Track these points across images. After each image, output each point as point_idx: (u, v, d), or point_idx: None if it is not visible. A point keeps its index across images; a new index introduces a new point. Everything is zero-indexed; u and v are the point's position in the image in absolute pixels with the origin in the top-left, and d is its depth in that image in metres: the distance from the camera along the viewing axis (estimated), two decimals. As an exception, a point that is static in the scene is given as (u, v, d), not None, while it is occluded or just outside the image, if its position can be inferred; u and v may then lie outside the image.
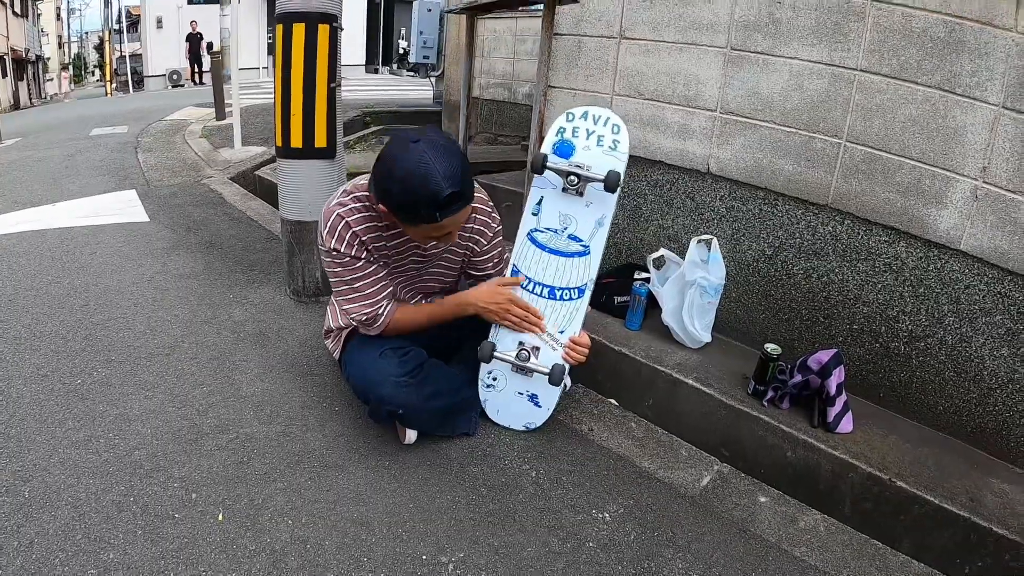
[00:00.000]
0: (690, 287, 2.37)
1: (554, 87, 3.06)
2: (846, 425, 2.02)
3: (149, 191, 5.21)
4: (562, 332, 1.95)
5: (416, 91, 12.87)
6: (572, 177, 1.87)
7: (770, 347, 2.11)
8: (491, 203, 2.02)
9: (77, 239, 3.95)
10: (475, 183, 1.90)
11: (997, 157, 1.95)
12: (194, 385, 2.26)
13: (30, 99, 27.26)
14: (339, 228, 1.81)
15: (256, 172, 5.86)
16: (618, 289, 2.66)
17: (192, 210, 4.57)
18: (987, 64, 1.94)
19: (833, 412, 2.01)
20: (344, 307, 1.92)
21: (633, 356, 2.36)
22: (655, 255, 2.53)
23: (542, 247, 1.93)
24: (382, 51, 29.29)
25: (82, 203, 4.92)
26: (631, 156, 2.81)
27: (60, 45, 43.93)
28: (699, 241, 2.42)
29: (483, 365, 2.02)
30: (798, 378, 2.05)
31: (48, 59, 37.76)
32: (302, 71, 2.57)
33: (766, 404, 2.10)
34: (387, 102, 10.68)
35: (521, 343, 1.97)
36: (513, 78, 6.67)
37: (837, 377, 2.01)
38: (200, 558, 1.57)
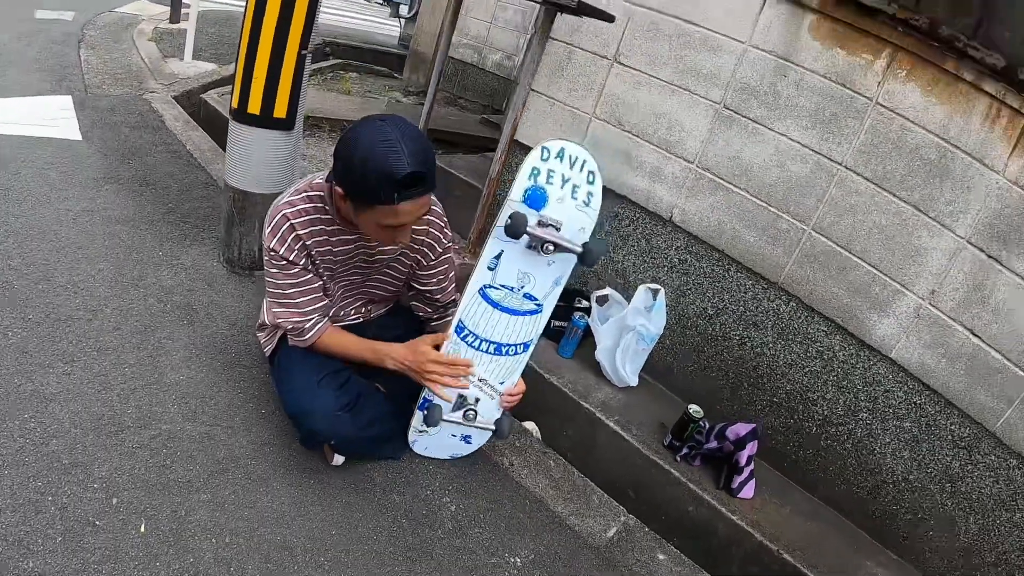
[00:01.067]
0: (628, 331, 2.41)
1: (535, 91, 2.97)
2: (748, 491, 2.18)
3: (86, 100, 4.87)
4: (502, 383, 1.94)
5: (383, 26, 12.34)
6: (549, 246, 1.71)
7: (693, 408, 2.21)
8: (445, 218, 1.96)
9: (2, 152, 3.67)
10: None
11: (948, 285, 2.05)
12: (116, 364, 2.16)
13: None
14: (282, 229, 1.74)
15: (202, 95, 5.56)
16: (555, 313, 2.64)
17: (129, 133, 4.30)
18: (966, 197, 2.01)
19: (739, 480, 2.16)
20: (273, 310, 1.87)
21: (560, 387, 2.41)
22: (600, 293, 2.54)
23: (494, 304, 1.83)
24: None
25: (11, 104, 4.55)
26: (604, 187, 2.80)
27: None
28: (648, 288, 2.43)
29: (417, 414, 1.98)
30: (713, 444, 2.21)
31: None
32: (273, 32, 2.36)
33: (679, 459, 2.26)
34: (351, 34, 10.16)
35: (463, 397, 1.93)
36: (486, 43, 6.47)
37: (750, 450, 2.16)
38: (122, 574, 1.52)
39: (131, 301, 2.50)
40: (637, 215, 2.72)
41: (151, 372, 2.16)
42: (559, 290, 1.86)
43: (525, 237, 1.71)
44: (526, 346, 1.91)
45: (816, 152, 2.25)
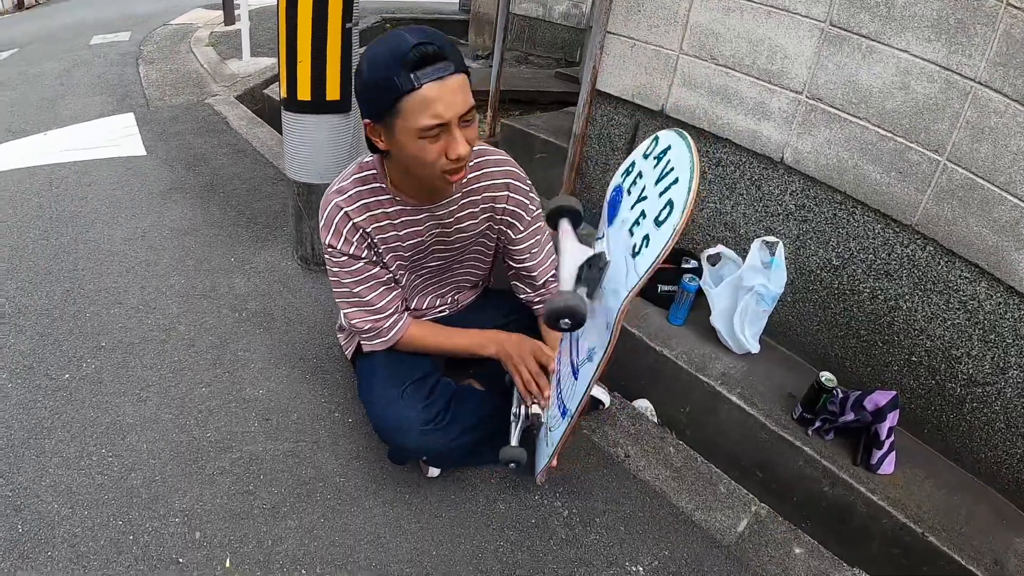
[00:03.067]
0: (746, 292, 2.18)
1: (612, 33, 2.71)
2: (888, 466, 1.96)
3: (148, 114, 4.92)
4: (550, 430, 1.62)
5: None
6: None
7: (825, 376, 1.98)
8: (528, 182, 1.72)
9: (68, 180, 3.71)
10: (503, 155, 1.67)
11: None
12: (192, 384, 2.07)
13: (31, -7, 26.48)
14: (336, 220, 1.56)
15: (265, 90, 5.55)
16: (663, 277, 2.44)
17: (193, 140, 4.29)
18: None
19: (878, 454, 1.94)
20: (344, 311, 1.70)
21: (674, 359, 2.24)
22: (711, 251, 2.29)
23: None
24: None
25: (75, 132, 4.65)
26: (693, 128, 2.52)
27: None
28: (764, 243, 2.16)
29: (515, 397, 1.71)
30: (850, 416, 1.98)
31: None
32: (311, 8, 2.17)
33: (810, 433, 2.04)
34: (409, 6, 10.05)
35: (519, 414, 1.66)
36: None
37: (890, 421, 1.93)
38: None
39: (204, 314, 2.42)
40: (743, 159, 2.44)
41: (229, 389, 2.06)
42: (591, 370, 1.30)
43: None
44: (564, 412, 1.50)
45: (944, 68, 1.90)
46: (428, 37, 1.30)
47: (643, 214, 1.15)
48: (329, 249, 1.59)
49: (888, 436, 1.92)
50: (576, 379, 1.40)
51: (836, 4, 2.09)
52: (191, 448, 1.84)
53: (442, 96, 1.30)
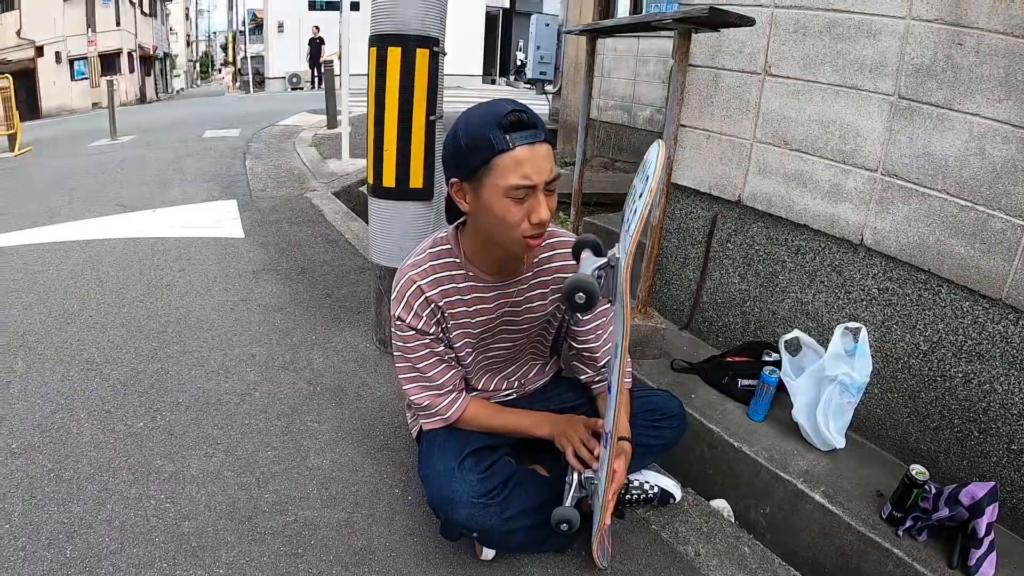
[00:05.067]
0: (829, 383, 2.13)
1: (686, 126, 2.84)
2: (988, 568, 1.80)
3: (250, 202, 5.34)
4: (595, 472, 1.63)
5: (532, 104, 12.81)
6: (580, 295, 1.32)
7: (916, 470, 1.88)
8: None
9: (169, 252, 4.05)
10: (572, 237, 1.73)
11: None
12: (259, 447, 2.17)
13: (156, 94, 29.45)
14: (408, 293, 1.64)
15: (360, 188, 5.93)
16: (744, 371, 2.44)
17: (289, 228, 4.61)
18: None
19: (977, 555, 1.79)
20: (405, 387, 1.75)
21: (753, 456, 2.18)
22: (788, 337, 2.28)
23: None
24: (500, 62, 30.09)
25: (181, 212, 5.09)
26: (770, 216, 2.58)
27: (188, 43, 47.71)
28: (846, 329, 2.15)
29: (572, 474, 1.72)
30: (944, 512, 1.86)
31: (176, 56, 41.00)
32: (397, 102, 2.41)
33: (901, 534, 1.91)
34: None
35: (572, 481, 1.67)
36: (633, 101, 6.50)
37: (989, 516, 1.80)
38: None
39: (280, 384, 2.55)
40: (822, 244, 2.46)
41: (294, 455, 2.14)
42: (618, 365, 1.41)
43: None
44: (605, 439, 1.55)
45: (1017, 126, 1.91)
46: (521, 107, 1.44)
47: (632, 205, 1.32)
48: (398, 322, 1.68)
49: (987, 533, 1.79)
50: (609, 392, 1.44)
51: (903, 75, 2.14)
52: (247, 506, 1.91)
53: (532, 159, 1.42)
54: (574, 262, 1.66)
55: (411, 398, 1.74)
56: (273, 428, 2.28)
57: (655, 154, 1.27)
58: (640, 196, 1.26)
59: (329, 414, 2.38)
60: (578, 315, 1.80)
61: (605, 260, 1.33)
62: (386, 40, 2.37)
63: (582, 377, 1.91)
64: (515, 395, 1.95)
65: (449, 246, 1.65)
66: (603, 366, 1.85)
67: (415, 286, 1.63)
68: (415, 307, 1.64)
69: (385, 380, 2.61)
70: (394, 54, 2.36)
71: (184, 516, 1.85)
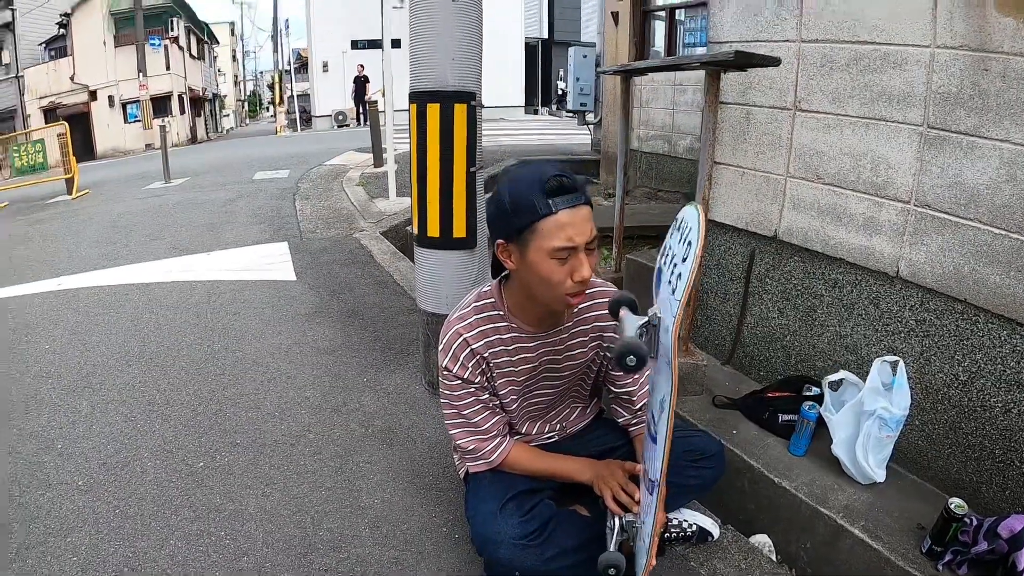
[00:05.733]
0: (868, 417, 2.17)
1: (720, 164, 2.93)
2: None
3: (301, 244, 5.57)
4: (643, 522, 1.67)
5: (575, 135, 13.11)
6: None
7: (955, 503, 1.90)
8: None
9: (224, 295, 4.26)
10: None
11: None
12: (314, 487, 2.31)
13: (207, 134, 30.52)
14: (455, 346, 1.78)
15: (408, 227, 6.11)
16: (784, 406, 2.50)
17: (339, 269, 4.80)
18: None
19: None
20: (451, 432, 1.88)
21: (793, 492, 2.22)
22: (833, 378, 2.33)
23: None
24: (541, 92, 30.31)
25: (234, 254, 5.33)
26: (807, 251, 2.65)
27: (236, 83, 49.63)
28: (883, 362, 2.19)
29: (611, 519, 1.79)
30: (983, 546, 1.87)
31: (224, 97, 42.56)
32: (438, 155, 2.57)
33: (941, 568, 1.93)
34: (545, 150, 10.93)
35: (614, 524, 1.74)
36: (673, 130, 6.61)
37: None
38: None
39: (333, 426, 2.69)
40: (859, 277, 2.50)
41: (347, 495, 2.27)
42: (666, 418, 1.40)
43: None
44: (651, 488, 1.54)
45: None
46: (563, 171, 1.58)
47: (674, 268, 1.38)
48: (445, 372, 1.81)
49: (1027, 566, 1.80)
50: (655, 443, 1.49)
51: (931, 105, 2.18)
52: (303, 543, 2.04)
53: (574, 222, 1.55)
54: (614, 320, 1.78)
55: (457, 442, 1.86)
56: (327, 469, 2.41)
57: (694, 219, 1.34)
58: (684, 261, 1.34)
59: (380, 455, 2.50)
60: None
61: (647, 319, 1.42)
62: (424, 97, 2.54)
63: (620, 420, 2.01)
64: (557, 437, 2.05)
65: (493, 300, 1.79)
66: (639, 409, 1.95)
67: (461, 339, 1.76)
68: (461, 358, 1.76)
69: (434, 422, 2.73)
70: (433, 110, 2.52)
71: (243, 552, 1.99)
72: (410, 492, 2.30)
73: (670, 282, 1.40)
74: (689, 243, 1.34)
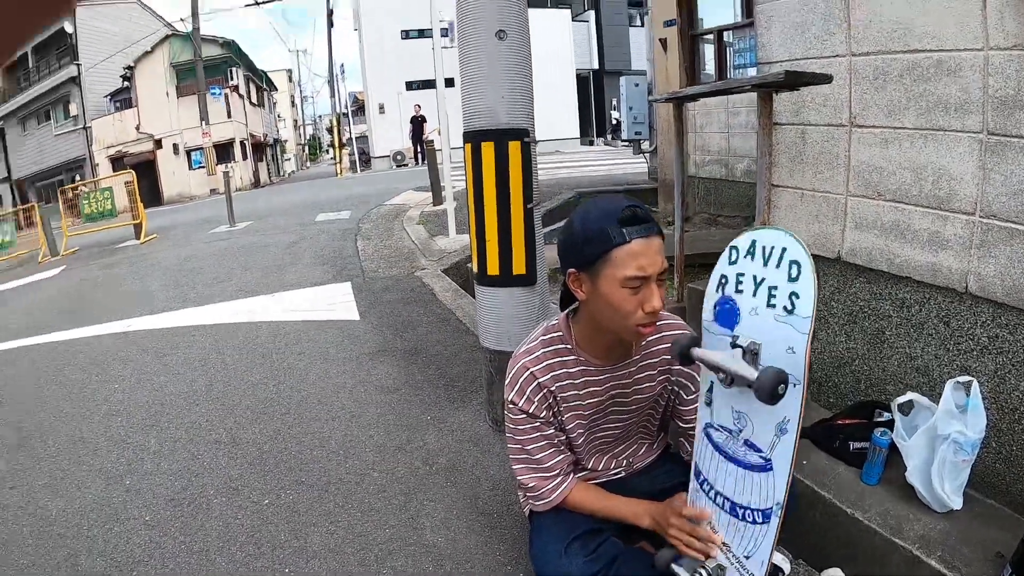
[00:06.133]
0: (942, 442, 2.09)
1: (778, 186, 2.89)
2: None
3: (364, 284, 5.68)
4: (748, 558, 1.65)
5: (631, 164, 13.13)
6: (722, 375, 1.50)
7: None
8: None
9: (289, 336, 4.38)
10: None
11: None
12: (378, 525, 2.34)
13: (269, 177, 31.54)
14: (522, 380, 1.79)
15: (468, 264, 6.18)
16: (854, 433, 2.41)
17: (402, 308, 4.88)
18: None
19: None
20: (513, 467, 1.88)
21: (866, 522, 2.13)
22: (902, 400, 2.26)
23: (717, 448, 1.62)
24: (595, 122, 30.55)
25: (299, 295, 5.47)
26: (871, 271, 2.59)
27: (296, 128, 51.43)
28: (957, 384, 2.12)
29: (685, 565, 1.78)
30: None
31: (285, 141, 44.05)
32: (495, 193, 2.61)
33: None
34: (602, 180, 11.00)
35: (706, 559, 1.70)
36: (729, 153, 6.55)
37: None
38: None
39: (397, 464, 2.73)
40: (926, 295, 2.42)
41: (411, 533, 2.29)
42: (791, 440, 1.45)
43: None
44: (766, 516, 1.54)
45: None
46: (636, 203, 1.61)
47: (771, 291, 1.45)
48: (511, 406, 1.82)
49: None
50: (771, 468, 1.50)
51: (989, 110, 2.10)
52: (369, 582, 2.07)
53: (647, 252, 1.57)
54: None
55: (519, 478, 1.87)
56: (391, 507, 2.44)
57: (781, 240, 1.44)
58: (794, 280, 1.44)
59: (444, 493, 2.52)
60: (682, 394, 1.89)
61: (743, 348, 1.47)
62: (478, 136, 2.59)
63: (685, 456, 1.98)
64: (624, 473, 2.04)
65: (560, 333, 1.80)
66: None
67: (528, 372, 1.77)
68: (528, 392, 1.77)
69: (497, 459, 2.74)
70: (487, 148, 2.58)
71: (309, 591, 2.03)
72: (474, 530, 2.30)
73: (771, 304, 1.46)
74: (794, 262, 1.43)
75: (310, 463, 2.75)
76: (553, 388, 1.78)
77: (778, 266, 1.45)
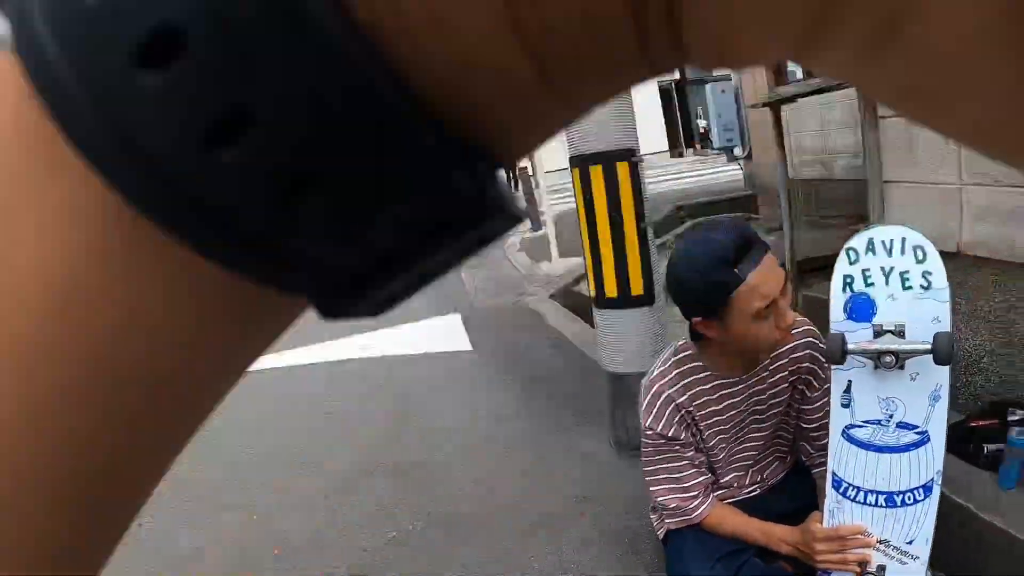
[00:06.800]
0: None
1: (889, 182, 2.79)
2: None
3: (472, 314, 5.78)
4: (910, 543, 1.64)
5: (725, 172, 12.89)
6: (888, 357, 1.55)
7: None
8: (823, 339, 1.86)
9: (404, 368, 4.50)
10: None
11: None
12: (519, 555, 2.37)
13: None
14: (658, 404, 1.78)
15: (575, 287, 6.19)
16: (988, 435, 2.29)
17: (513, 335, 4.94)
18: None
19: None
20: (652, 489, 1.86)
21: (1004, 528, 2.01)
22: None
23: (865, 446, 1.63)
24: (683, 133, 30.07)
25: (410, 329, 5.59)
26: (994, 261, 2.45)
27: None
28: None
29: None
30: None
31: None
32: (607, 216, 2.62)
33: None
34: (698, 191, 10.86)
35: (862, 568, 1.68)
36: (826, 151, 6.31)
37: None
38: None
39: (525, 492, 2.76)
40: None
41: (545, 563, 2.31)
42: (943, 406, 1.59)
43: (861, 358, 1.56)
44: (927, 489, 1.60)
45: None
46: (735, 231, 1.58)
47: (903, 276, 1.55)
48: (648, 432, 1.81)
49: None
50: (928, 440, 1.59)
51: None
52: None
53: (766, 279, 1.55)
54: (806, 340, 1.79)
55: (659, 499, 1.84)
56: (521, 535, 2.47)
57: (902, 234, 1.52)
58: (922, 261, 1.54)
59: (575, 518, 2.53)
60: (806, 392, 1.86)
61: (891, 331, 1.57)
62: (586, 160, 2.62)
63: (806, 460, 1.97)
64: (759, 491, 2.00)
65: (690, 352, 1.78)
66: (823, 446, 1.90)
67: (664, 396, 1.76)
68: (665, 415, 1.76)
69: (624, 482, 2.72)
70: (596, 172, 2.60)
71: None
72: (609, 554, 2.31)
73: (907, 287, 1.56)
74: (918, 247, 1.55)
75: (439, 495, 2.80)
76: (691, 408, 1.77)
77: (903, 253, 1.55)
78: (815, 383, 1.84)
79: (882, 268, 1.57)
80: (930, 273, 1.52)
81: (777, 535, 1.77)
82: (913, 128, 2.69)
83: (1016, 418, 2.26)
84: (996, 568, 2.08)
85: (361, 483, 2.99)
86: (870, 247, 1.58)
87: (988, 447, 2.28)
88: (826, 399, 1.87)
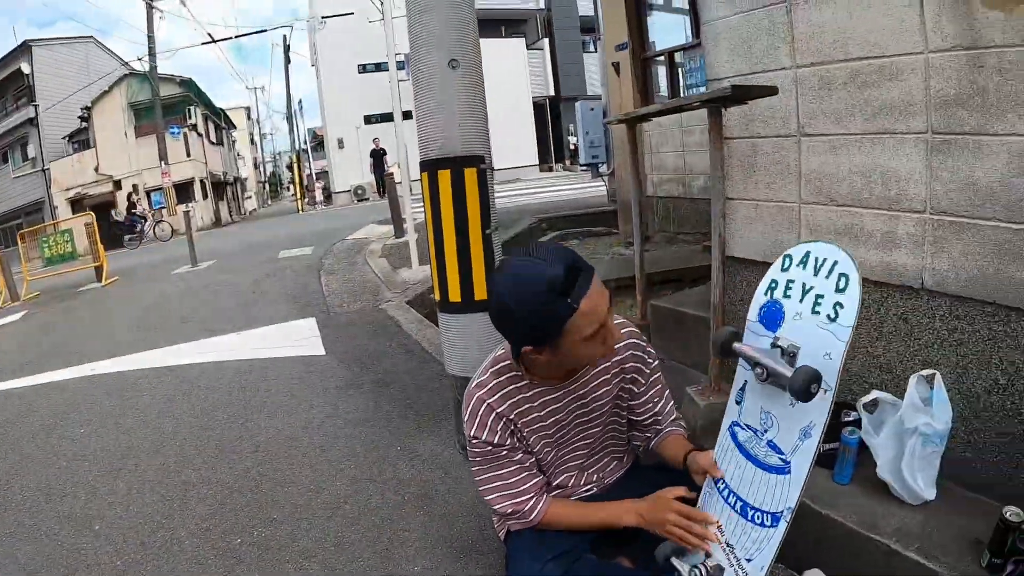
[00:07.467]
0: (910, 435, 2.12)
1: (733, 199, 2.94)
2: None
3: (328, 319, 5.67)
4: (750, 560, 1.69)
5: (591, 188, 13.32)
6: (759, 369, 1.57)
7: (1010, 511, 1.83)
8: (644, 337, 1.94)
9: (255, 373, 4.35)
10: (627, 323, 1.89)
11: None
12: (352, 558, 2.32)
13: (231, 216, 31.28)
14: (480, 413, 1.80)
15: (431, 294, 6.18)
16: (824, 435, 2.45)
17: (367, 341, 4.88)
18: None
19: None
20: (486, 498, 1.88)
21: (841, 520, 2.15)
22: (866, 399, 2.31)
23: (739, 447, 1.69)
24: (553, 148, 31.01)
25: (264, 333, 5.44)
26: None
27: (256, 166, 51.37)
28: (919, 377, 2.17)
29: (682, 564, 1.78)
30: None
31: (245, 179, 43.82)
32: (453, 220, 2.64)
33: None
34: (562, 205, 11.16)
35: (706, 557, 1.74)
36: (685, 171, 6.66)
37: None
38: None
39: (369, 496, 2.72)
40: (884, 295, 2.48)
41: (385, 564, 2.28)
42: (812, 446, 1.57)
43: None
44: (775, 519, 1.62)
45: None
46: (563, 260, 1.57)
47: (817, 298, 1.58)
48: (473, 440, 1.82)
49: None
50: (785, 473, 1.60)
51: (932, 110, 2.18)
52: (346, 617, 2.06)
53: (596, 304, 1.57)
54: (628, 342, 1.85)
55: (495, 507, 1.86)
56: (364, 539, 2.43)
57: (835, 254, 1.58)
58: (842, 291, 1.56)
59: (417, 522, 2.52)
60: (633, 388, 1.93)
61: (782, 348, 1.58)
62: (435, 164, 2.63)
63: (637, 443, 2.06)
64: (595, 490, 2.05)
65: (509, 362, 1.80)
66: (672, 420, 2.01)
67: (484, 405, 1.78)
68: (488, 424, 1.78)
69: (469, 485, 2.73)
70: (444, 177, 2.61)
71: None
72: (449, 557, 2.30)
73: (816, 311, 1.58)
74: (843, 275, 1.57)
75: (281, 500, 2.72)
76: (512, 416, 1.79)
77: (827, 276, 1.58)
78: (640, 379, 1.92)
79: (803, 284, 1.62)
80: (842, 306, 1.55)
81: (623, 507, 1.82)
82: (758, 149, 2.85)
83: (849, 419, 2.41)
84: (835, 558, 2.20)
85: (203, 489, 2.87)
86: (804, 260, 1.63)
87: (825, 446, 2.42)
88: (654, 390, 1.95)
